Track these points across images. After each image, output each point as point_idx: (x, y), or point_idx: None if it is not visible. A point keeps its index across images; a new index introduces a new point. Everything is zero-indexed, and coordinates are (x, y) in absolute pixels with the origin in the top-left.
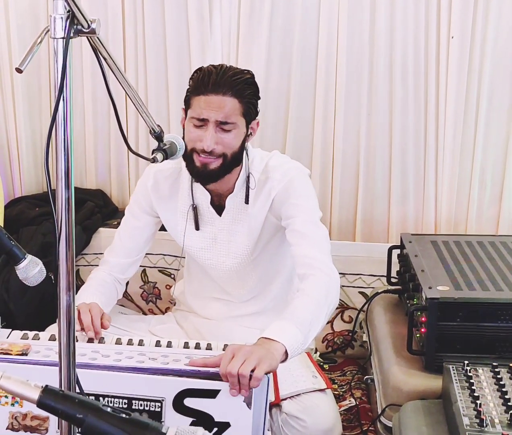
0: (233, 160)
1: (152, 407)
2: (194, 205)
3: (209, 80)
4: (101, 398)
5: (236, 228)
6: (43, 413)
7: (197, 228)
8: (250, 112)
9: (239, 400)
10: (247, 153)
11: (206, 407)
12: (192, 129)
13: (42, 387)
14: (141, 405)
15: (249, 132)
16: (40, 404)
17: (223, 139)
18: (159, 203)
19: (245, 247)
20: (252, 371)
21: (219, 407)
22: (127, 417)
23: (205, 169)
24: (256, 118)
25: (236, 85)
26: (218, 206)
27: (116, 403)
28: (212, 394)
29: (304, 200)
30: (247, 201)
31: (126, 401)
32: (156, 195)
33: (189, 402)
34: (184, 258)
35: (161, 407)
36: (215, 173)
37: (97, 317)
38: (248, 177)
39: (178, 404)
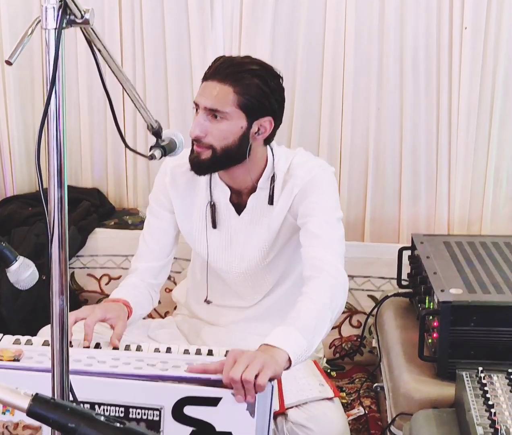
0: (227, 156)
1: (150, 416)
2: (212, 203)
3: (212, 67)
4: (96, 407)
5: (254, 228)
6: (35, 423)
7: (214, 226)
8: (253, 107)
9: (241, 408)
10: (272, 152)
11: (207, 416)
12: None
13: (32, 395)
14: (138, 413)
15: (256, 130)
16: (30, 413)
17: (212, 129)
18: (176, 201)
19: (261, 249)
20: (256, 376)
21: (221, 415)
22: (122, 426)
23: (195, 159)
24: (267, 116)
25: (235, 73)
26: (237, 204)
27: (112, 412)
28: (213, 402)
29: (324, 198)
30: (271, 202)
31: (122, 409)
32: (174, 192)
33: (189, 410)
34: (189, 260)
35: (159, 416)
36: (205, 165)
37: (92, 321)
38: (273, 177)
39: (178, 413)
